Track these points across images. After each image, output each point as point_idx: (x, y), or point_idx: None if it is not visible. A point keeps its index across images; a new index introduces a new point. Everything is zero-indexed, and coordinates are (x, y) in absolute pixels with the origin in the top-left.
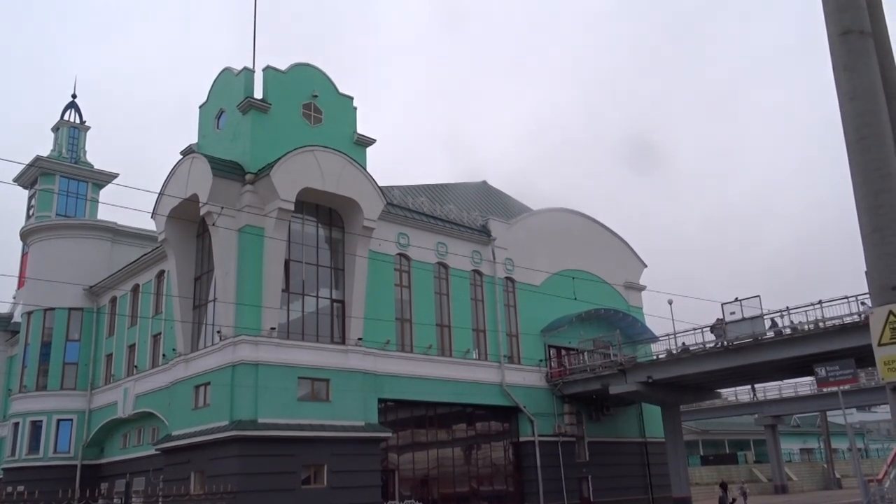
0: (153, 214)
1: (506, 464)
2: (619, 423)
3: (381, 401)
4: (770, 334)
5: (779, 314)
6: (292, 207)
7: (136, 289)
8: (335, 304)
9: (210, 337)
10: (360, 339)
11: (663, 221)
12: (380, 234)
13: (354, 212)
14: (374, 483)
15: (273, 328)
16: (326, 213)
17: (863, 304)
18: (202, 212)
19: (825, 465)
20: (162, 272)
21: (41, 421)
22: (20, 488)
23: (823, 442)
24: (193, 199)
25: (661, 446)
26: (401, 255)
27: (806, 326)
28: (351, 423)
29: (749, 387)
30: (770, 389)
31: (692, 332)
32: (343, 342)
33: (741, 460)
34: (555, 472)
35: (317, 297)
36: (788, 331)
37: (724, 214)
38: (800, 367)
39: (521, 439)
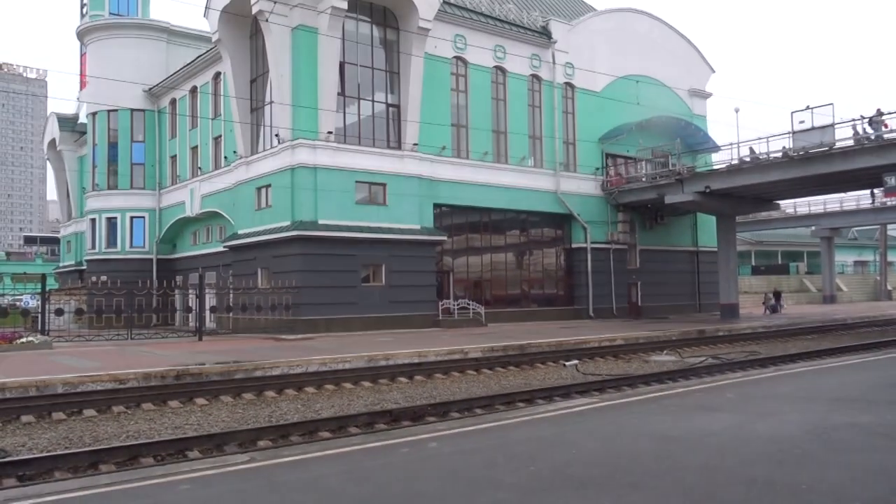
0: (206, 11)
1: (557, 269)
2: (672, 233)
3: (436, 206)
4: (851, 142)
5: (851, 123)
6: (345, 5)
7: (194, 90)
8: (391, 108)
9: (269, 140)
10: (415, 144)
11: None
12: (436, 34)
13: (409, 11)
14: (429, 283)
15: (330, 132)
16: (381, 12)
17: None
18: (254, 9)
19: (877, 278)
20: (218, 74)
21: (116, 218)
22: (103, 278)
23: (879, 255)
24: None
25: (712, 255)
26: (457, 58)
27: (880, 136)
28: (407, 226)
29: (807, 199)
30: (831, 202)
31: (756, 140)
32: (399, 147)
33: (793, 271)
34: (605, 277)
35: (372, 101)
36: (851, 142)
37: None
38: (868, 178)
39: (574, 246)
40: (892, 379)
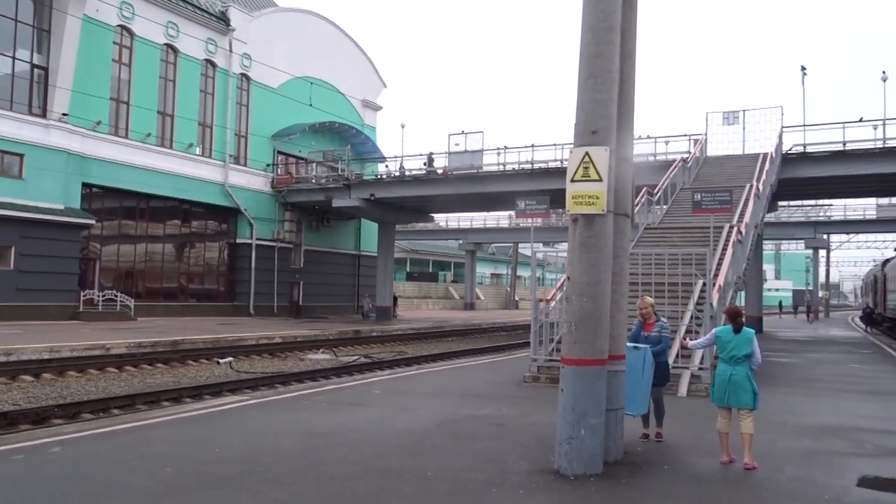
0: None
1: (219, 264)
2: (336, 236)
3: (86, 186)
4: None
5: (496, 151)
6: None
7: None
8: (36, 69)
9: None
10: (65, 114)
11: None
12: None
13: None
14: (71, 270)
15: None
16: None
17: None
18: None
19: (508, 289)
20: None
21: None
22: None
23: (511, 269)
24: None
25: (372, 260)
26: (123, 27)
27: (517, 166)
28: (48, 205)
29: (457, 214)
30: (476, 219)
31: (418, 156)
32: (44, 115)
33: (441, 279)
34: (268, 275)
35: (14, 58)
36: (494, 168)
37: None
38: (507, 200)
39: (239, 241)
40: (510, 377)
